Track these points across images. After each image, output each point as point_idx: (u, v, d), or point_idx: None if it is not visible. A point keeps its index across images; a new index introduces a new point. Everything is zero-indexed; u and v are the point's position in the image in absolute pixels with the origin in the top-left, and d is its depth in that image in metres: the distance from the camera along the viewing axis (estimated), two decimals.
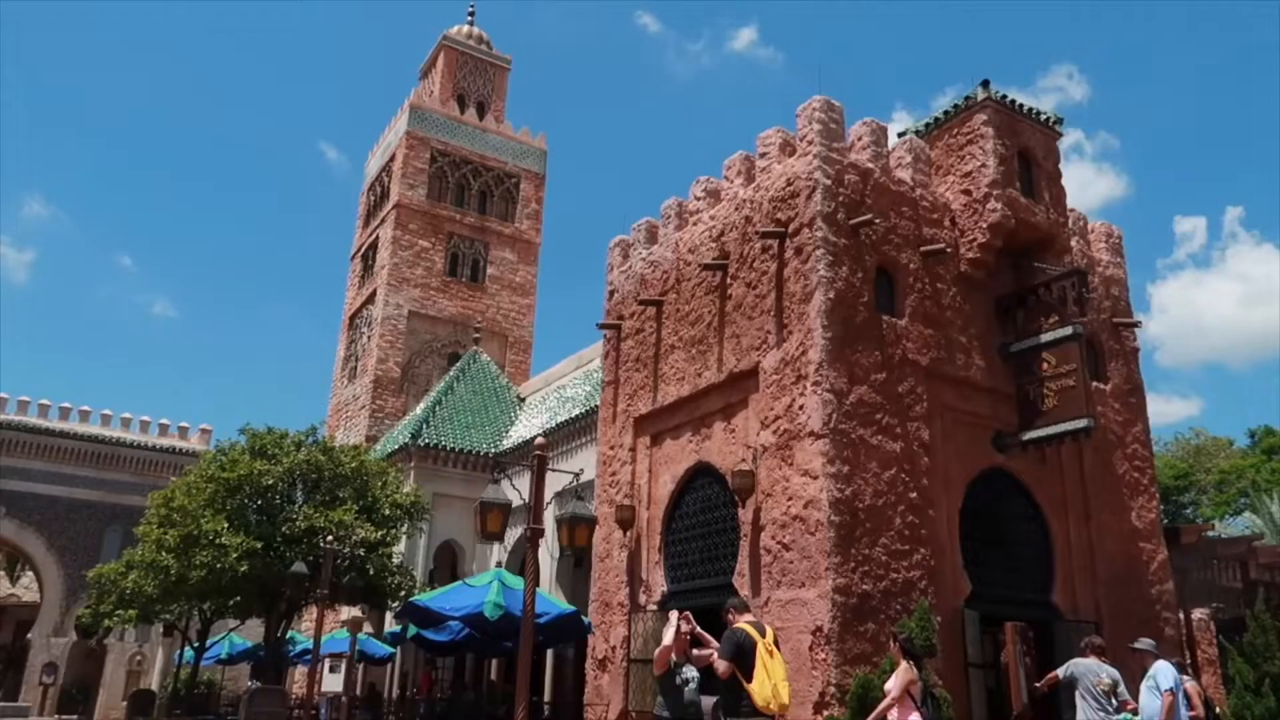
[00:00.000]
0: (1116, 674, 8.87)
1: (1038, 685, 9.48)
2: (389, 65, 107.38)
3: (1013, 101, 13.23)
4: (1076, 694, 8.71)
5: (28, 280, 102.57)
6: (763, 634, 6.81)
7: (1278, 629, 13.32)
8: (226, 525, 17.63)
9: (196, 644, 22.85)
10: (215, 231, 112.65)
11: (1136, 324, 14.98)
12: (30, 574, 34.40)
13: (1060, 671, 9.01)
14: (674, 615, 7.37)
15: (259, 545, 17.48)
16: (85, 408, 33.85)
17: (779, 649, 6.95)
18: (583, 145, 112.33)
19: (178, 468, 31.25)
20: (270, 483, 18.53)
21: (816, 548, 10.47)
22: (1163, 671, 8.74)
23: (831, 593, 10.18)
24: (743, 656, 6.64)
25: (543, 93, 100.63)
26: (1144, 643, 9.45)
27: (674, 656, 7.16)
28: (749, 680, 6.55)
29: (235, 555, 17.08)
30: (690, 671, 7.15)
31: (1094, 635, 9.59)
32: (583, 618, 13.97)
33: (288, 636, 21.43)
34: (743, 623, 6.93)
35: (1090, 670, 8.69)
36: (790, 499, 10.97)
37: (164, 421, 35.49)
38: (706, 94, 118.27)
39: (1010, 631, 10.23)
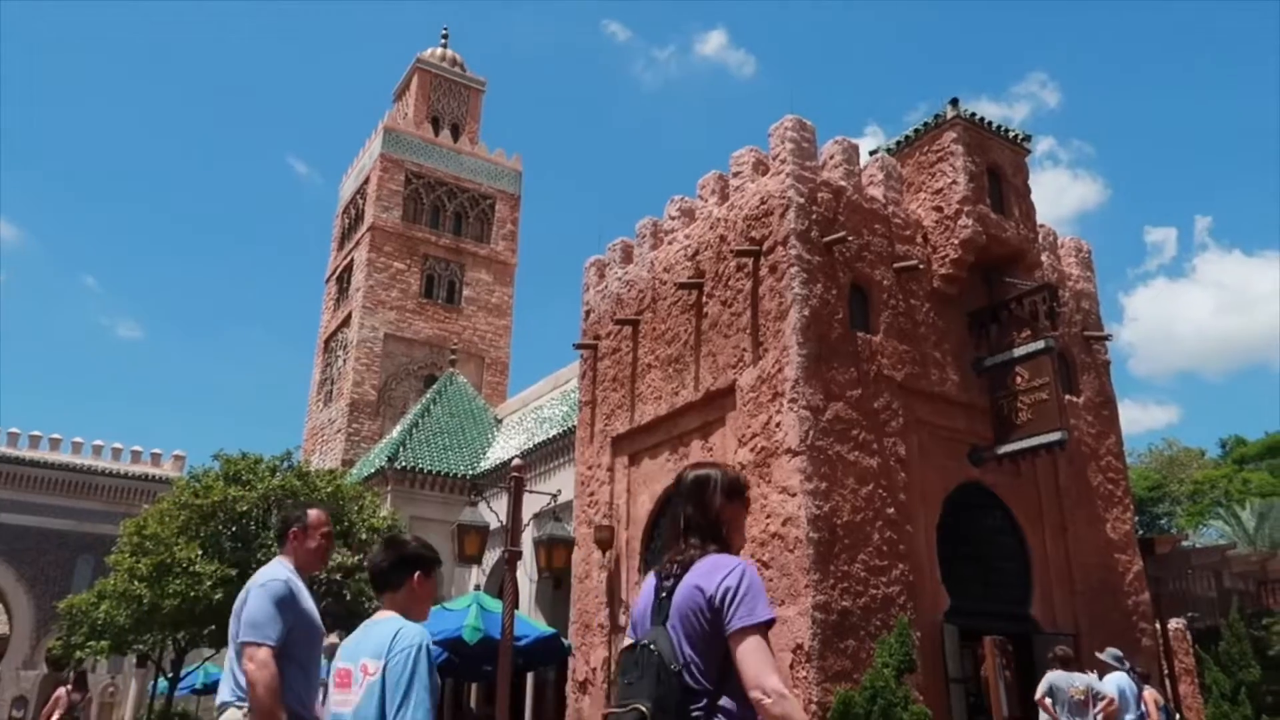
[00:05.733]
0: (1088, 678, 9.01)
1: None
2: (362, 87, 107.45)
3: (982, 119, 13.42)
4: (1055, 706, 8.78)
5: None
6: None
7: (1252, 638, 13.48)
8: (200, 553, 17.39)
9: (170, 674, 22.44)
10: (181, 250, 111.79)
11: (1108, 337, 15.17)
12: None
13: (1039, 692, 9.08)
14: None
15: (234, 573, 17.23)
16: (55, 435, 33.39)
17: None
18: (557, 163, 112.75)
19: (150, 495, 30.83)
20: (245, 509, 18.31)
21: (795, 565, 10.47)
22: (1107, 681, 9.00)
23: (811, 610, 10.17)
24: None
25: (516, 112, 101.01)
26: (1108, 653, 9.59)
27: None
28: None
29: (210, 583, 16.84)
30: None
31: (1059, 646, 9.67)
32: (563, 640, 13.88)
33: None
34: None
35: (1063, 680, 8.80)
36: (769, 516, 10.98)
37: (136, 448, 35.05)
38: (676, 103, 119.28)
39: (989, 646, 10.28)
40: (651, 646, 2.56)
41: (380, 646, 3.06)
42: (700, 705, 2.52)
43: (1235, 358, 78.71)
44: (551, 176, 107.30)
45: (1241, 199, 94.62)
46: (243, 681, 3.53)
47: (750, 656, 2.47)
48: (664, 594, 2.68)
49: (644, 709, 2.47)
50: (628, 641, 2.74)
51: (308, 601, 3.79)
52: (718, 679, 2.53)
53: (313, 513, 3.97)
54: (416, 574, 3.28)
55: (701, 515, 2.77)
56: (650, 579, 2.82)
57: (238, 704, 3.58)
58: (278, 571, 3.75)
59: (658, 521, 13.26)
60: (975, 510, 12.49)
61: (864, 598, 10.63)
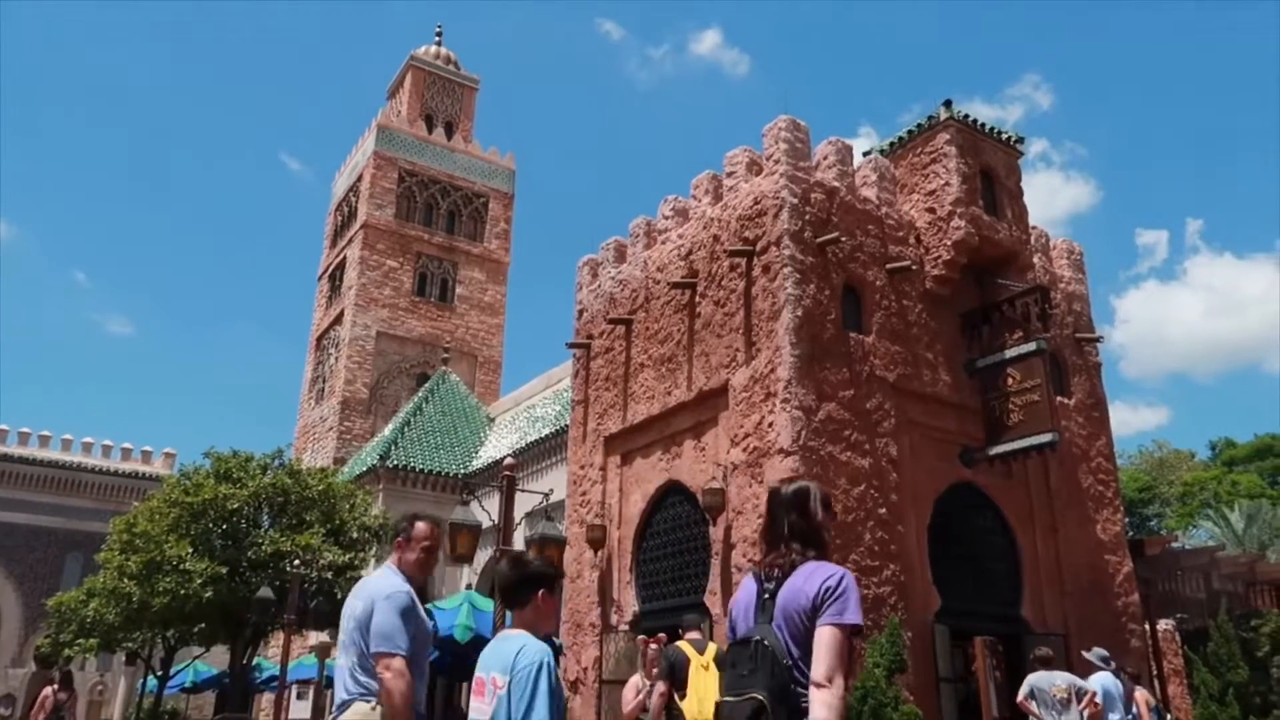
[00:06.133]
0: (1070, 677, 9.07)
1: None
2: (356, 84, 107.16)
3: (975, 121, 13.45)
4: (1038, 707, 8.84)
5: None
6: (701, 651, 6.90)
7: (1240, 639, 13.54)
8: (190, 551, 17.34)
9: (160, 672, 22.35)
10: (173, 246, 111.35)
11: (1099, 339, 15.23)
12: None
13: (1021, 694, 9.13)
14: (635, 678, 7.71)
15: (224, 570, 17.21)
16: (45, 432, 33.25)
17: (720, 666, 6.98)
18: (551, 162, 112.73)
19: (140, 493, 30.69)
20: (235, 507, 18.27)
21: None
22: (1092, 680, 9.07)
23: None
24: (675, 674, 6.75)
25: (510, 111, 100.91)
26: (1094, 653, 9.64)
27: (643, 681, 7.35)
28: (683, 698, 6.69)
29: (199, 581, 16.80)
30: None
31: (1039, 648, 9.73)
32: (554, 640, 13.87)
33: (254, 663, 21.06)
34: (686, 640, 7.06)
35: (1045, 681, 8.86)
36: (761, 516, 10.96)
37: (126, 446, 34.93)
38: (671, 102, 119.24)
39: (980, 646, 10.30)
40: (765, 642, 2.83)
41: (506, 662, 3.25)
42: (807, 695, 2.78)
43: (1225, 360, 79.16)
44: (545, 175, 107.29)
45: (1233, 202, 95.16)
46: (361, 679, 3.80)
47: (826, 649, 2.75)
48: (767, 595, 2.96)
49: (761, 698, 2.75)
50: (734, 636, 3.01)
51: (421, 610, 4.02)
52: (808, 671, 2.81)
53: (418, 525, 4.15)
54: (541, 591, 3.43)
55: (804, 523, 3.08)
56: (749, 579, 3.11)
57: (364, 698, 3.80)
58: (397, 583, 3.95)
59: (649, 521, 13.26)
60: (966, 511, 12.53)
61: None
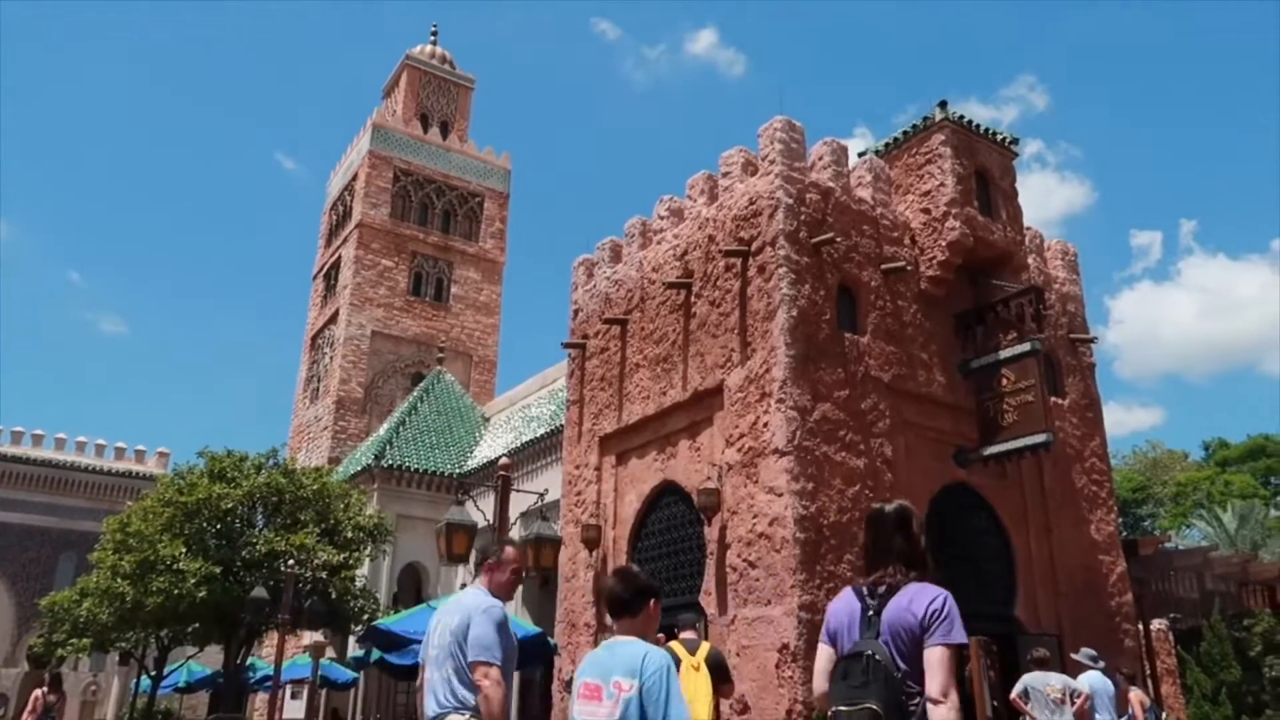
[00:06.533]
0: (1065, 678, 9.11)
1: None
2: (351, 83, 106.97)
3: (970, 122, 13.48)
4: (1030, 705, 8.89)
5: None
6: (693, 651, 6.87)
7: (1233, 639, 13.59)
8: (184, 550, 17.31)
9: (153, 672, 22.33)
10: (167, 246, 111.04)
11: (1093, 340, 15.26)
12: None
13: (1015, 691, 9.16)
14: None
15: (218, 570, 17.18)
16: (39, 431, 33.15)
17: (711, 666, 6.94)
18: (546, 162, 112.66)
19: (134, 492, 30.64)
20: (230, 506, 18.24)
21: (782, 565, 10.50)
22: (1081, 680, 9.14)
23: (798, 610, 10.20)
24: None
25: (505, 110, 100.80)
26: (1083, 653, 9.69)
27: None
28: None
29: (193, 581, 16.77)
30: None
31: (1035, 649, 9.76)
32: (549, 639, 13.86)
33: (248, 663, 21.03)
34: (680, 639, 7.02)
35: (1038, 681, 8.90)
36: (755, 516, 11.00)
37: (120, 445, 34.85)
38: (666, 101, 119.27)
39: (974, 646, 10.28)
40: (876, 657, 3.06)
41: (632, 667, 3.50)
42: (915, 704, 3.04)
43: (1219, 361, 79.43)
44: (540, 175, 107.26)
45: (1227, 203, 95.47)
46: (459, 692, 4.03)
47: (938, 667, 3.01)
48: (871, 611, 3.20)
49: (876, 708, 3.00)
50: (830, 642, 3.33)
51: (510, 626, 4.31)
52: (919, 685, 3.06)
53: (508, 550, 4.45)
54: (651, 601, 3.76)
55: (908, 546, 3.31)
56: (849, 595, 3.34)
57: (459, 711, 4.04)
58: (492, 600, 4.24)
59: (645, 521, 13.26)
60: (961, 511, 12.54)
61: None
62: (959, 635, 3.05)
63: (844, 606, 3.33)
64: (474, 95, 43.01)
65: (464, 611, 4.13)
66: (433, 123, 40.53)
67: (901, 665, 3.06)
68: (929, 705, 2.97)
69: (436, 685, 4.11)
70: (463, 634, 4.06)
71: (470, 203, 39.15)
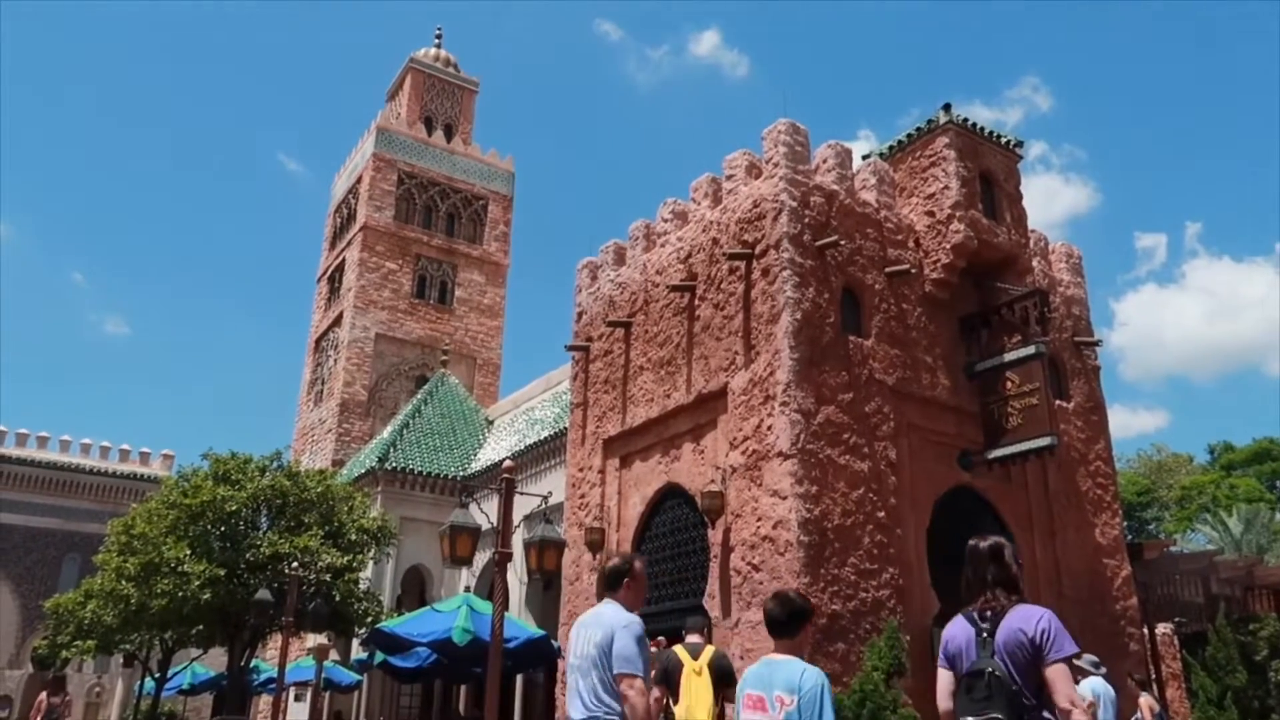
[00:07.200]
0: None
1: None
2: (356, 86, 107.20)
3: (974, 124, 13.47)
4: None
5: None
6: (696, 655, 6.88)
7: (1239, 643, 13.53)
8: (189, 552, 17.31)
9: (158, 674, 22.35)
10: (171, 247, 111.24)
11: (1097, 343, 15.23)
12: None
13: None
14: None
15: (222, 573, 17.18)
16: (43, 433, 33.23)
17: (715, 671, 6.92)
18: (550, 164, 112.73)
19: (139, 494, 30.72)
20: (234, 509, 18.24)
21: (786, 568, 10.48)
22: (1083, 686, 9.18)
23: None
24: (669, 679, 6.75)
25: (509, 113, 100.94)
26: (1085, 659, 9.67)
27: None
28: (676, 702, 6.70)
29: (198, 583, 16.77)
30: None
31: None
32: (552, 641, 13.86)
33: (252, 665, 21.02)
34: (685, 643, 7.05)
35: None
36: (759, 520, 10.99)
37: (125, 447, 34.93)
38: (669, 103, 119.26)
39: None
40: (996, 673, 3.49)
41: (792, 682, 4.05)
42: (1032, 715, 3.47)
43: (1224, 363, 79.27)
44: (544, 177, 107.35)
45: (1231, 206, 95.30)
46: (605, 699, 4.35)
47: (1061, 680, 3.43)
48: (984, 634, 3.62)
49: (1000, 717, 3.43)
50: (948, 662, 3.76)
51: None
52: (1036, 695, 3.48)
53: (636, 565, 4.80)
54: (806, 623, 4.29)
55: (1004, 574, 3.74)
56: (962, 621, 3.75)
57: (605, 717, 4.36)
58: (632, 616, 4.55)
59: (648, 524, 13.26)
60: (965, 514, 12.51)
61: (854, 601, 10.65)
62: (1070, 647, 3.48)
63: (960, 632, 3.74)
64: (478, 98, 43.07)
65: (607, 626, 4.43)
66: (437, 126, 40.58)
67: (1017, 679, 3.47)
68: (1060, 715, 3.41)
69: (581, 692, 4.43)
70: (606, 647, 4.37)
71: (474, 205, 39.19)
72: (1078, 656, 3.55)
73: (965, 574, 3.85)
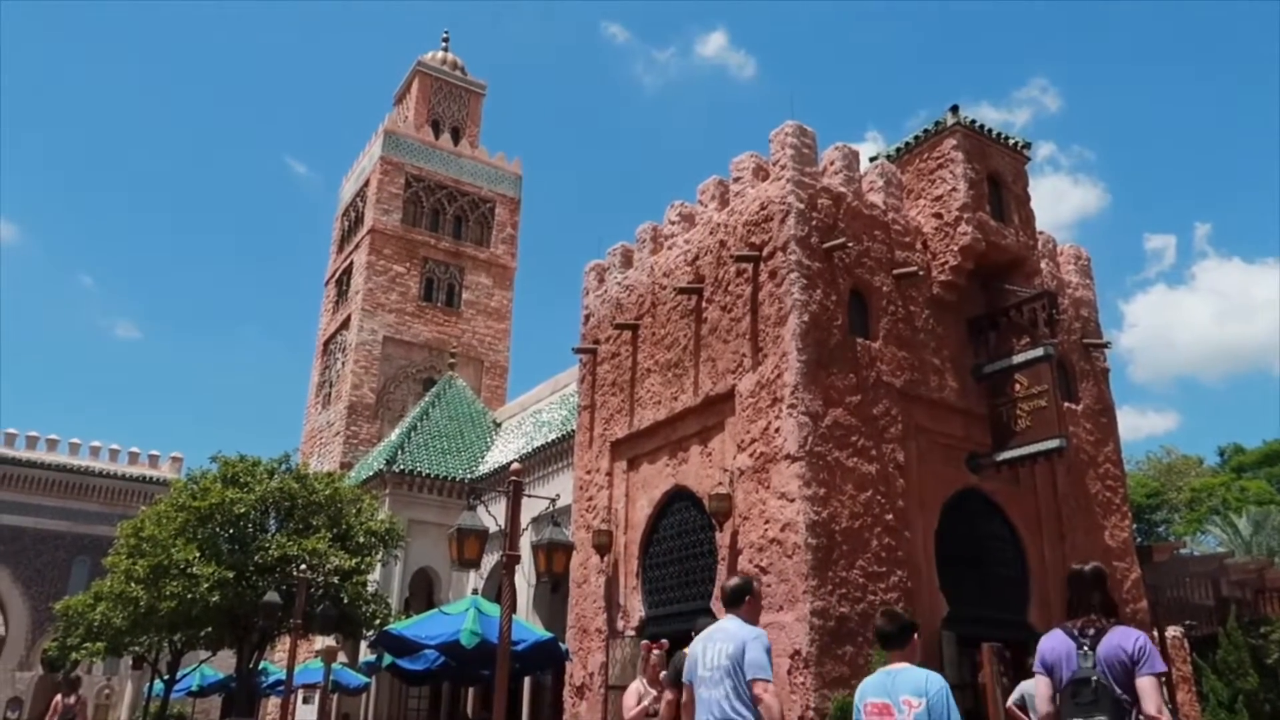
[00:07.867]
0: None
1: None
2: (363, 89, 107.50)
3: (982, 126, 13.44)
4: (1029, 713, 8.83)
5: None
6: None
7: (1250, 646, 13.47)
8: (198, 555, 17.38)
9: (166, 676, 22.42)
10: (180, 251, 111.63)
11: (1106, 345, 15.18)
12: None
13: (1010, 700, 9.09)
14: (635, 684, 7.77)
15: (231, 575, 17.24)
16: (53, 436, 33.39)
17: None
18: (557, 166, 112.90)
19: (148, 497, 30.83)
20: (243, 511, 18.30)
21: (794, 571, 10.47)
22: None
23: (809, 616, 10.17)
24: (680, 682, 6.81)
25: (516, 115, 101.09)
26: None
27: (644, 686, 7.45)
28: None
29: (206, 585, 16.83)
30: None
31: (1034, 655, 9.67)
32: (560, 644, 13.85)
33: (260, 667, 21.10)
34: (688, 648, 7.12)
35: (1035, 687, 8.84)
36: (767, 522, 10.98)
37: (134, 450, 35.06)
38: (677, 105, 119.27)
39: (987, 653, 10.26)
40: (1101, 681, 4.05)
41: (918, 687, 4.42)
42: (1129, 718, 4.02)
43: (1234, 365, 78.91)
44: (551, 179, 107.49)
45: (1241, 206, 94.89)
46: (739, 707, 4.74)
47: (1150, 692, 3.99)
48: (1085, 647, 4.16)
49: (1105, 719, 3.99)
50: (1045, 671, 4.29)
51: None
52: (1133, 704, 4.02)
53: (755, 584, 5.28)
54: (915, 635, 4.76)
55: (1105, 598, 4.34)
56: (1060, 635, 4.31)
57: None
58: (758, 629, 5.01)
59: (656, 526, 13.25)
60: (974, 517, 12.49)
61: (862, 604, 10.63)
62: (1160, 665, 4.08)
63: (1058, 644, 4.28)
64: (485, 101, 43.16)
65: (738, 639, 4.86)
66: (444, 128, 40.68)
67: (1117, 689, 4.03)
68: None
69: (712, 703, 4.81)
70: (739, 658, 4.79)
71: (481, 208, 39.26)
72: (1162, 674, 4.07)
73: (1068, 595, 4.38)
